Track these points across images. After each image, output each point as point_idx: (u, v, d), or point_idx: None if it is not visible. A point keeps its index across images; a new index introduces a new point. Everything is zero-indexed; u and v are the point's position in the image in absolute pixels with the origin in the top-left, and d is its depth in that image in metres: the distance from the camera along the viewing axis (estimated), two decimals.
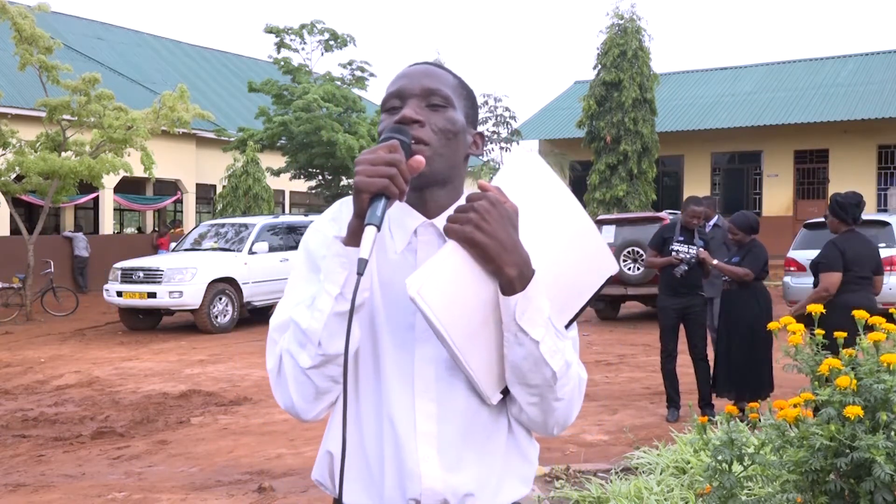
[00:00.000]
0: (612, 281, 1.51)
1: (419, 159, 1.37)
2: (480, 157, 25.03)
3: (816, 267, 5.75)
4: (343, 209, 1.51)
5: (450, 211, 1.49)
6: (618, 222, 14.15)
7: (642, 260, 12.54)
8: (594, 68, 22.64)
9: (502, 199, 1.35)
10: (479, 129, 1.61)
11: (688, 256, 6.69)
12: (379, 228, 1.29)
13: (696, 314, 6.82)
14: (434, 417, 1.43)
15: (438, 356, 1.43)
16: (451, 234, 1.34)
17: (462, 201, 1.52)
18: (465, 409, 1.44)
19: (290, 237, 14.62)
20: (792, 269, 11.75)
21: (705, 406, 6.66)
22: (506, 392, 1.44)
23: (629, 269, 13.05)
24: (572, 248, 1.44)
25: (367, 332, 1.45)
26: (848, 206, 5.65)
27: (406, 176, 1.33)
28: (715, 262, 6.58)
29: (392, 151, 1.33)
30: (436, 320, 1.32)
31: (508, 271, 1.33)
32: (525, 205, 1.37)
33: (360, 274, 1.28)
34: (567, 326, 1.46)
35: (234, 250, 14.07)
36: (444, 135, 1.47)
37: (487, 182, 1.40)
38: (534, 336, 1.35)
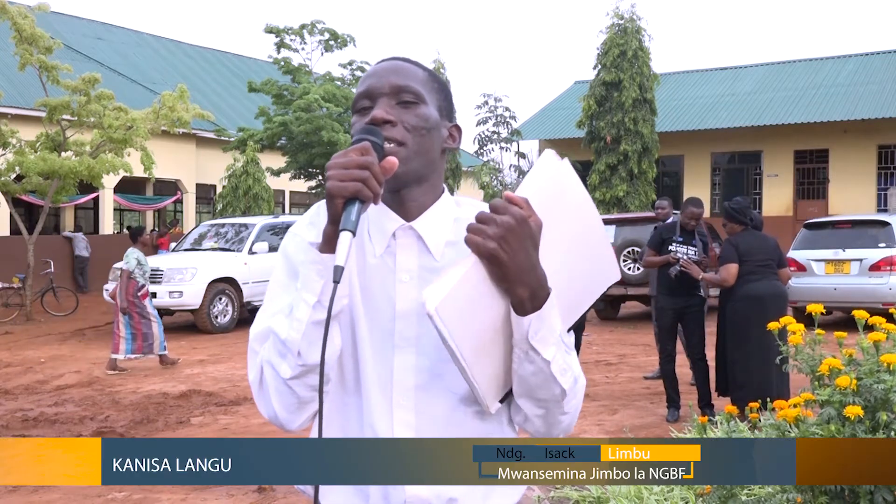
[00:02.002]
0: None
1: (392, 160, 1.33)
2: (479, 155, 25.06)
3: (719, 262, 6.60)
4: (321, 212, 1.47)
5: (432, 211, 1.46)
6: (618, 222, 14.14)
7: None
8: (594, 68, 22.62)
9: (528, 213, 1.28)
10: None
11: (685, 257, 6.69)
12: (354, 233, 1.26)
13: (694, 314, 6.82)
14: (412, 427, 1.40)
15: (418, 364, 1.41)
16: (472, 246, 1.27)
17: (446, 201, 1.49)
18: (446, 417, 1.41)
19: None
20: (792, 269, 11.75)
21: (705, 406, 6.66)
22: (503, 400, 1.41)
23: (629, 269, 13.04)
24: (588, 259, 1.42)
25: (349, 339, 1.42)
26: (743, 210, 6.53)
27: (379, 178, 1.29)
28: (702, 275, 6.59)
29: (364, 153, 1.29)
30: (451, 339, 1.29)
31: (520, 292, 1.29)
32: (549, 214, 1.33)
33: (336, 282, 1.24)
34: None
35: (234, 250, 14.07)
36: (417, 132, 1.42)
37: (515, 188, 1.34)
38: (545, 356, 1.32)
